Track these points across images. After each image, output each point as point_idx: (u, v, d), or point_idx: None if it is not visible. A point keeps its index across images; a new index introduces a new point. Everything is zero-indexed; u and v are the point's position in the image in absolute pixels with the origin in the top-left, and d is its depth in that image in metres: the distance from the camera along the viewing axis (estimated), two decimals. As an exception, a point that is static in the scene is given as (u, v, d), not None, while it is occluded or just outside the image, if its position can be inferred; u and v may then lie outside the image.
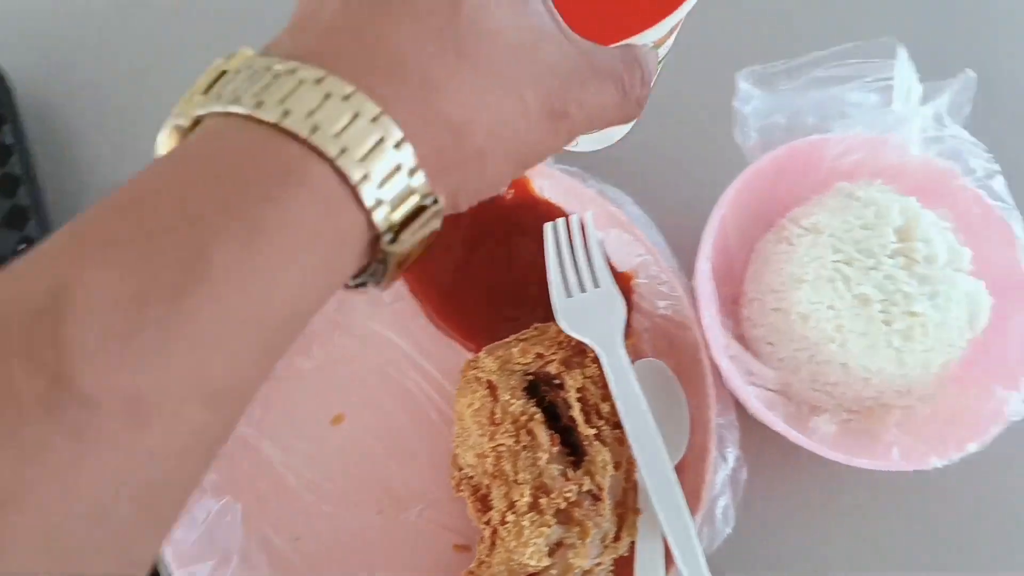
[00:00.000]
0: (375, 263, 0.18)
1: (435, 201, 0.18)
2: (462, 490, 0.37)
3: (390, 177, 0.16)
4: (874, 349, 0.34)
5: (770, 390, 0.36)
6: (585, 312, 0.37)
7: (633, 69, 0.21)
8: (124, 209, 0.15)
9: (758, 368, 0.35)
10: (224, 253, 0.14)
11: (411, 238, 0.18)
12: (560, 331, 0.38)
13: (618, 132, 0.44)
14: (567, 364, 0.37)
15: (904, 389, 0.36)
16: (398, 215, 0.17)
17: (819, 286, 0.35)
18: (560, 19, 0.20)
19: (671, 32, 0.24)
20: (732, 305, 0.40)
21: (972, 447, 0.34)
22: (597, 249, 0.39)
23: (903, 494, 0.39)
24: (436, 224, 0.18)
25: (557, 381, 0.37)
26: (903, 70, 0.36)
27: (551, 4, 0.20)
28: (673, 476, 0.34)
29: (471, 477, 0.37)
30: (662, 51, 0.25)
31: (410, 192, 0.17)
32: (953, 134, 0.38)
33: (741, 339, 0.39)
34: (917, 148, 0.37)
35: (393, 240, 0.17)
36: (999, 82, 0.42)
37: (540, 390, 0.37)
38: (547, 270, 0.38)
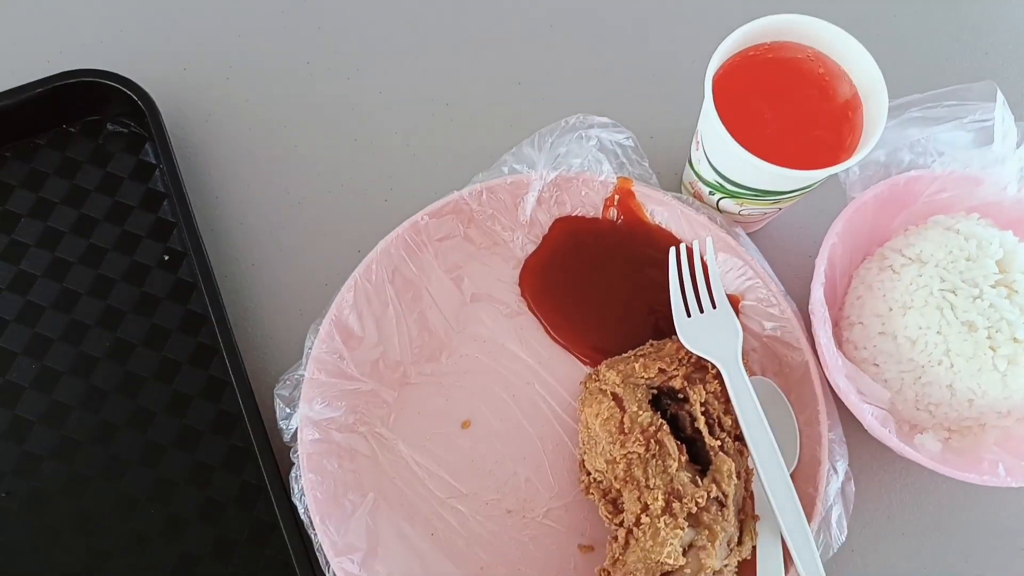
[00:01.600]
0: None
1: None
2: (591, 493, 0.39)
3: None
4: (981, 372, 0.37)
5: (880, 407, 0.39)
6: (705, 331, 0.40)
7: None
8: None
9: (869, 388, 0.38)
10: None
11: None
12: (678, 348, 0.41)
13: None
14: (689, 380, 0.39)
15: (1004, 410, 0.38)
16: None
17: (927, 312, 0.38)
18: None
19: None
20: (834, 328, 0.43)
21: (1074, 465, 0.36)
22: (716, 273, 0.42)
23: (999, 508, 0.42)
24: None
25: (680, 395, 0.39)
26: (1002, 113, 0.39)
27: None
28: (791, 485, 0.37)
29: (600, 482, 0.39)
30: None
31: None
32: (1046, 175, 0.41)
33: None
34: (1014, 187, 0.40)
35: None
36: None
37: (662, 403, 0.40)
38: (670, 291, 0.41)
